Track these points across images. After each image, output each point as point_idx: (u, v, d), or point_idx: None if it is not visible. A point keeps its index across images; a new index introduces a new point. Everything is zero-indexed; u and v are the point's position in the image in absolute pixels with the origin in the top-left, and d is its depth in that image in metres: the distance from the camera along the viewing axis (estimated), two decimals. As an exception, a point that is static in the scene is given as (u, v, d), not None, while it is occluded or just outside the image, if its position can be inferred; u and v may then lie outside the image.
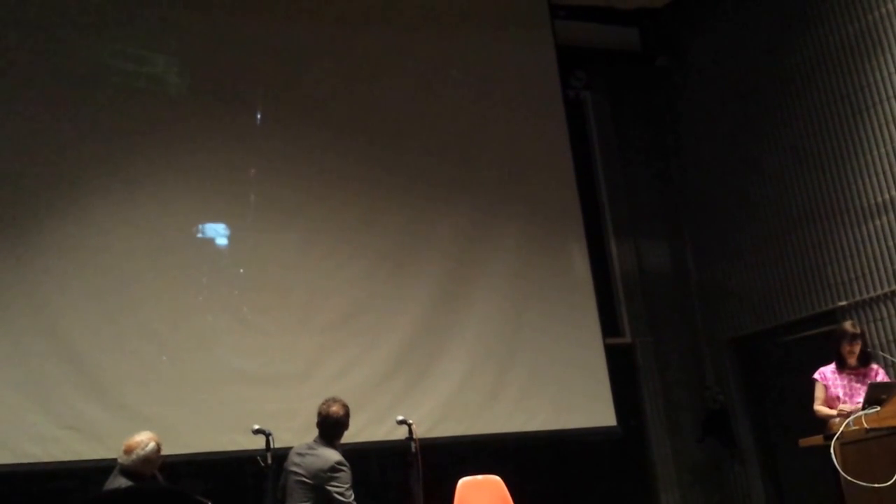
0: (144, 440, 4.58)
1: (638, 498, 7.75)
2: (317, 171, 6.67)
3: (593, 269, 7.51)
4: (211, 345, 6.02)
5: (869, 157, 6.70)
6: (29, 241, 5.75)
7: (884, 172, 6.59)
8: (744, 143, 7.79)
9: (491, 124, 7.40)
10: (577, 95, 8.56)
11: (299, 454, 4.92)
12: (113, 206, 6.02)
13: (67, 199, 5.92)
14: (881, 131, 6.62)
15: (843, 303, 6.84)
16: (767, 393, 7.86)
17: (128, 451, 4.54)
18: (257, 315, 6.25)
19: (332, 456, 4.82)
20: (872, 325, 6.59)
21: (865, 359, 5.40)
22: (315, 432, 5.00)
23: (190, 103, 6.43)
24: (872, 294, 6.65)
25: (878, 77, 6.62)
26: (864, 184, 6.74)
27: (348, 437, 5.09)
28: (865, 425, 4.59)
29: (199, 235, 6.24)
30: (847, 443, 4.62)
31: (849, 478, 4.47)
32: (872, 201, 6.68)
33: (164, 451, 4.70)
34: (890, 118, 6.55)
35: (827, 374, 5.40)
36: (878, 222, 6.63)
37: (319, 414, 4.99)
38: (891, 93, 6.54)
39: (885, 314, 6.55)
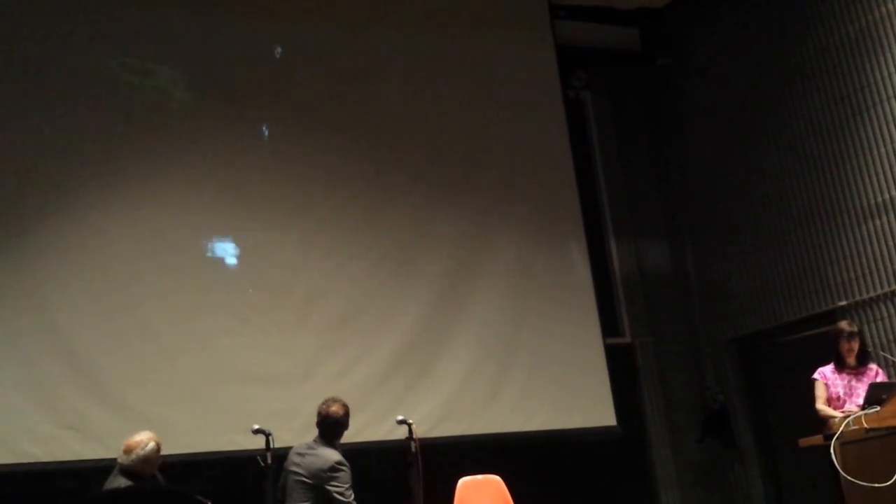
0: (144, 440, 4.58)
1: (638, 498, 7.75)
2: (317, 171, 6.68)
3: (593, 269, 7.51)
4: (211, 345, 6.02)
5: (869, 157, 6.70)
6: (29, 242, 5.75)
7: (884, 172, 6.59)
8: (744, 143, 7.79)
9: (491, 124, 7.40)
10: (577, 95, 8.56)
11: (299, 454, 4.92)
12: (112, 207, 6.02)
13: (67, 200, 5.92)
14: (881, 131, 6.61)
15: (843, 303, 6.83)
16: (767, 393, 7.86)
17: (127, 451, 4.54)
18: (257, 315, 6.25)
19: (332, 456, 4.82)
20: (872, 325, 6.59)
21: (864, 358, 5.41)
22: (315, 432, 5.00)
23: (189, 103, 6.42)
24: (872, 294, 6.64)
25: (878, 77, 6.62)
26: (864, 184, 6.74)
27: (348, 436, 5.09)
28: (865, 425, 4.60)
29: (199, 235, 6.24)
30: (847, 442, 4.62)
31: (849, 477, 4.47)
32: (872, 201, 6.67)
33: (164, 451, 4.70)
34: (890, 118, 6.55)
35: (827, 374, 5.39)
36: (878, 222, 6.63)
37: (319, 414, 4.99)
38: (891, 93, 6.53)
39: (885, 314, 6.55)
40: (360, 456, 5.46)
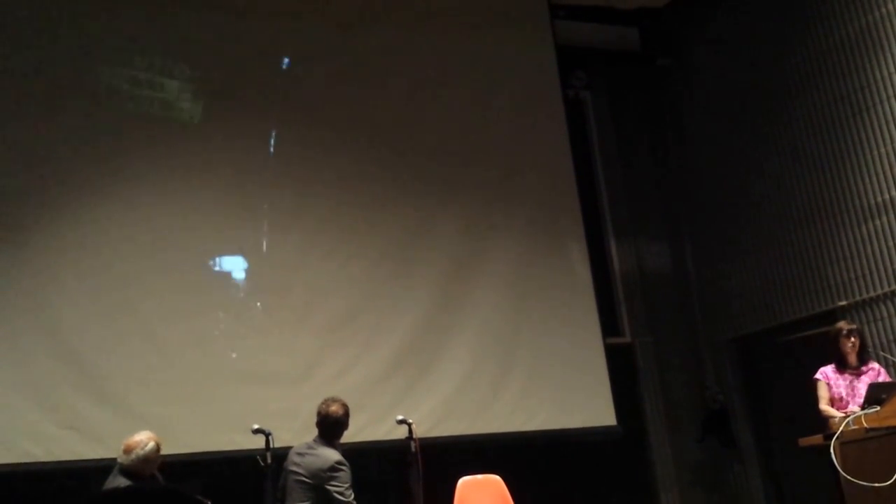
0: (144, 440, 4.58)
1: (638, 498, 7.75)
2: (317, 170, 6.68)
3: (593, 269, 7.51)
4: (211, 345, 6.03)
5: (869, 157, 6.70)
6: (29, 242, 5.76)
7: (884, 172, 6.59)
8: (744, 143, 7.79)
9: (491, 124, 7.40)
10: (577, 95, 8.57)
11: (299, 454, 4.92)
12: (112, 207, 6.02)
13: (67, 200, 5.93)
14: (881, 131, 6.61)
15: (843, 303, 6.83)
16: (767, 393, 7.86)
17: (127, 451, 4.54)
18: (257, 315, 6.25)
19: (332, 455, 4.82)
20: (872, 325, 6.59)
21: (865, 358, 5.40)
22: (315, 432, 5.00)
23: (190, 103, 6.43)
24: (872, 294, 6.64)
25: (878, 77, 6.62)
26: (864, 184, 6.74)
27: (348, 436, 5.09)
28: (865, 425, 4.59)
29: (199, 235, 6.23)
30: (847, 442, 4.62)
31: (848, 477, 4.47)
32: (872, 201, 6.67)
33: (164, 451, 4.70)
34: (890, 118, 6.55)
35: (829, 374, 5.38)
36: (878, 222, 6.63)
37: (319, 413, 4.99)
38: (891, 93, 6.53)
39: (885, 314, 6.55)
40: (359, 456, 5.45)
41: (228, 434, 5.74)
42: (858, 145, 6.78)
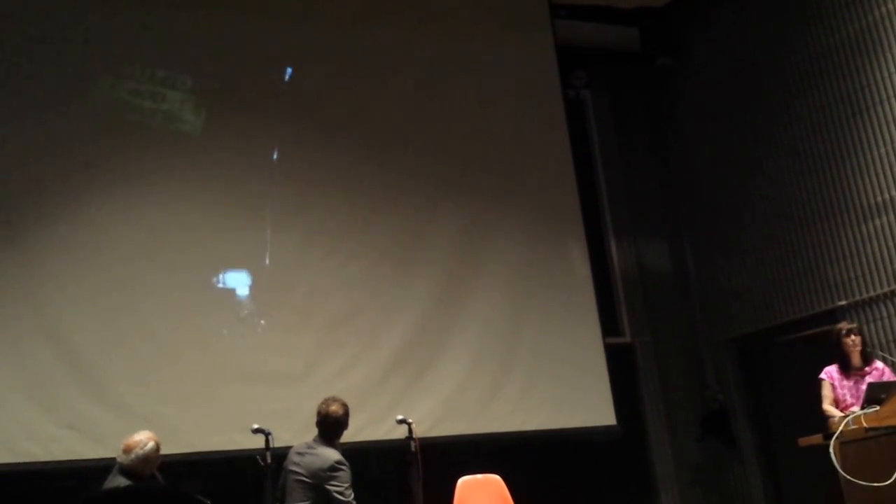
0: (143, 439, 4.58)
1: (638, 498, 7.75)
2: (317, 170, 6.68)
3: (593, 269, 7.50)
4: (210, 344, 6.02)
5: (869, 157, 6.70)
6: (29, 242, 5.76)
7: (884, 172, 6.59)
8: (744, 143, 7.79)
9: (491, 124, 7.40)
10: (577, 95, 8.56)
11: (299, 453, 4.92)
12: (112, 207, 6.02)
13: (67, 200, 5.93)
14: (881, 131, 6.61)
15: (843, 302, 6.83)
16: (767, 393, 7.86)
17: (127, 451, 4.54)
18: (257, 314, 6.25)
19: (332, 455, 4.82)
20: (872, 325, 6.58)
21: (867, 358, 5.38)
22: (314, 431, 5.00)
23: (189, 102, 6.42)
24: (872, 294, 6.64)
25: (878, 77, 6.62)
26: (864, 184, 6.74)
27: (348, 436, 5.09)
28: (865, 424, 4.59)
29: (199, 235, 6.23)
30: (846, 442, 4.62)
31: (848, 477, 4.47)
32: (872, 201, 6.67)
33: (164, 451, 4.70)
34: (890, 118, 6.55)
35: (833, 375, 5.36)
36: (878, 222, 6.63)
37: (319, 413, 4.99)
38: (891, 93, 6.53)
39: (885, 314, 6.55)
40: (359, 455, 5.45)
41: (228, 434, 5.73)
42: (858, 145, 6.78)
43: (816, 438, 4.89)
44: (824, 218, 7.06)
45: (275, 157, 6.60)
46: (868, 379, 5.26)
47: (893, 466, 4.33)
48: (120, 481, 4.45)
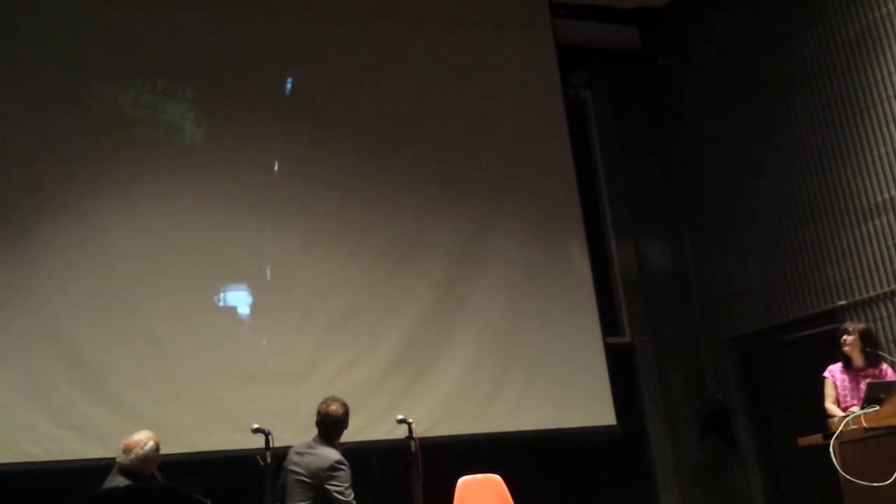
0: (143, 439, 4.58)
1: (638, 497, 7.75)
2: (317, 170, 6.68)
3: (593, 269, 7.51)
4: (210, 344, 6.02)
5: (869, 157, 6.70)
6: (29, 242, 5.76)
7: (884, 172, 6.59)
8: (744, 143, 7.79)
9: (491, 124, 7.40)
10: (577, 94, 8.57)
11: (298, 453, 4.92)
12: (112, 207, 6.03)
13: (67, 200, 5.94)
14: (881, 131, 6.61)
15: (843, 302, 6.83)
16: (767, 392, 7.86)
17: (126, 451, 4.54)
18: (257, 314, 6.25)
19: (332, 455, 4.82)
20: (872, 325, 6.57)
21: (873, 359, 5.35)
22: (314, 431, 5.00)
23: (189, 102, 6.43)
24: (872, 294, 6.64)
25: (878, 77, 6.62)
26: (864, 184, 6.74)
27: (348, 435, 5.09)
28: (864, 424, 4.59)
29: (199, 235, 6.24)
30: (846, 442, 4.61)
31: (848, 477, 4.47)
32: (872, 201, 6.67)
33: (164, 450, 4.70)
34: (890, 118, 6.54)
35: (836, 373, 5.36)
36: (878, 222, 6.62)
37: (319, 413, 4.99)
38: (891, 93, 6.53)
39: (885, 314, 6.54)
40: (359, 455, 5.46)
41: (228, 433, 5.74)
42: (858, 145, 6.77)
43: (816, 438, 4.88)
44: (824, 218, 7.05)
45: (275, 157, 6.60)
46: (869, 380, 5.25)
47: (893, 466, 4.33)
48: (120, 481, 4.45)
